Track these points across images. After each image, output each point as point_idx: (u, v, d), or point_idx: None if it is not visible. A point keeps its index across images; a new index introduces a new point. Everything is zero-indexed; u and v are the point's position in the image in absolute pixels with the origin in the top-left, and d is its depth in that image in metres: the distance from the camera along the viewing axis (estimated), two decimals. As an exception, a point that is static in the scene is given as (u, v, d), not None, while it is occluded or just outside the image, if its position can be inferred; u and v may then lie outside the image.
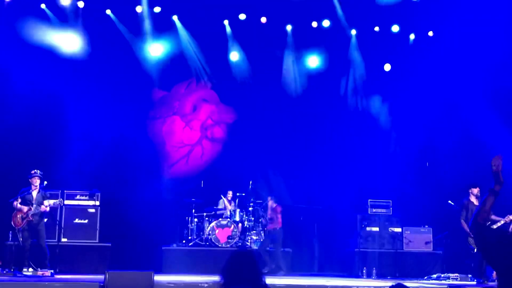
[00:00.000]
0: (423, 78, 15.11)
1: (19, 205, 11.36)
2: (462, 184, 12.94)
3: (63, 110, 13.96)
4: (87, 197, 12.82)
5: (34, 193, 11.48)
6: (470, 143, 14.57)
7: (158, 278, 9.88)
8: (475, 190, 12.08)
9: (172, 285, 10.00)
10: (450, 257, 13.53)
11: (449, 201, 12.93)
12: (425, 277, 12.62)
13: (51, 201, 11.55)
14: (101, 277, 9.49)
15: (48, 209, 11.50)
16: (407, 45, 15.28)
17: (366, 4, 14.52)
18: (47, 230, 11.75)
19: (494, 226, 10.97)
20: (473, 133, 14.55)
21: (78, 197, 12.79)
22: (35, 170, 11.54)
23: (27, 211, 11.29)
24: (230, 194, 14.06)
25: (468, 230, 11.00)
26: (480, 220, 4.11)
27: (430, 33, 15.12)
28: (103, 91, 14.22)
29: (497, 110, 14.35)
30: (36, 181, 11.48)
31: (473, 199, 12.03)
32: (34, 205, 11.35)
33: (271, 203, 13.12)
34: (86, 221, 12.68)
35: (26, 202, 11.41)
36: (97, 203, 12.85)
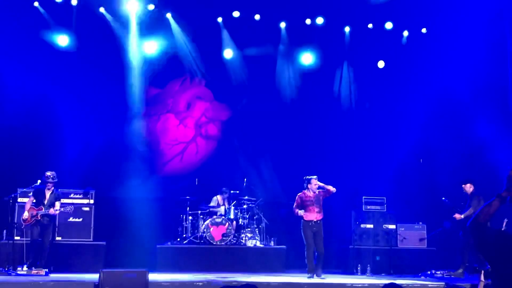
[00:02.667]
0: (417, 75, 15.14)
1: (29, 206, 11.40)
2: (456, 180, 12.95)
3: (56, 108, 13.91)
4: (81, 196, 12.76)
5: (48, 194, 11.48)
6: (464, 139, 14.61)
7: (152, 276, 9.87)
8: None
9: (167, 283, 9.98)
10: (444, 254, 13.56)
11: (443, 198, 12.96)
12: (420, 274, 12.64)
13: (58, 204, 11.49)
14: (95, 276, 9.48)
15: (57, 212, 11.48)
16: (400, 42, 15.32)
17: (359, 1, 14.52)
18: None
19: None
20: (467, 129, 14.59)
21: (72, 195, 12.72)
22: (48, 174, 11.49)
23: (37, 211, 11.28)
24: (226, 194, 14.01)
25: None
26: (481, 220, 4.08)
27: (424, 30, 15.15)
28: (96, 89, 14.19)
29: (491, 107, 14.39)
30: (51, 185, 11.49)
31: None
32: (46, 205, 11.34)
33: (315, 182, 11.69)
34: (80, 219, 12.62)
35: (38, 200, 11.42)
36: (92, 201, 12.80)
